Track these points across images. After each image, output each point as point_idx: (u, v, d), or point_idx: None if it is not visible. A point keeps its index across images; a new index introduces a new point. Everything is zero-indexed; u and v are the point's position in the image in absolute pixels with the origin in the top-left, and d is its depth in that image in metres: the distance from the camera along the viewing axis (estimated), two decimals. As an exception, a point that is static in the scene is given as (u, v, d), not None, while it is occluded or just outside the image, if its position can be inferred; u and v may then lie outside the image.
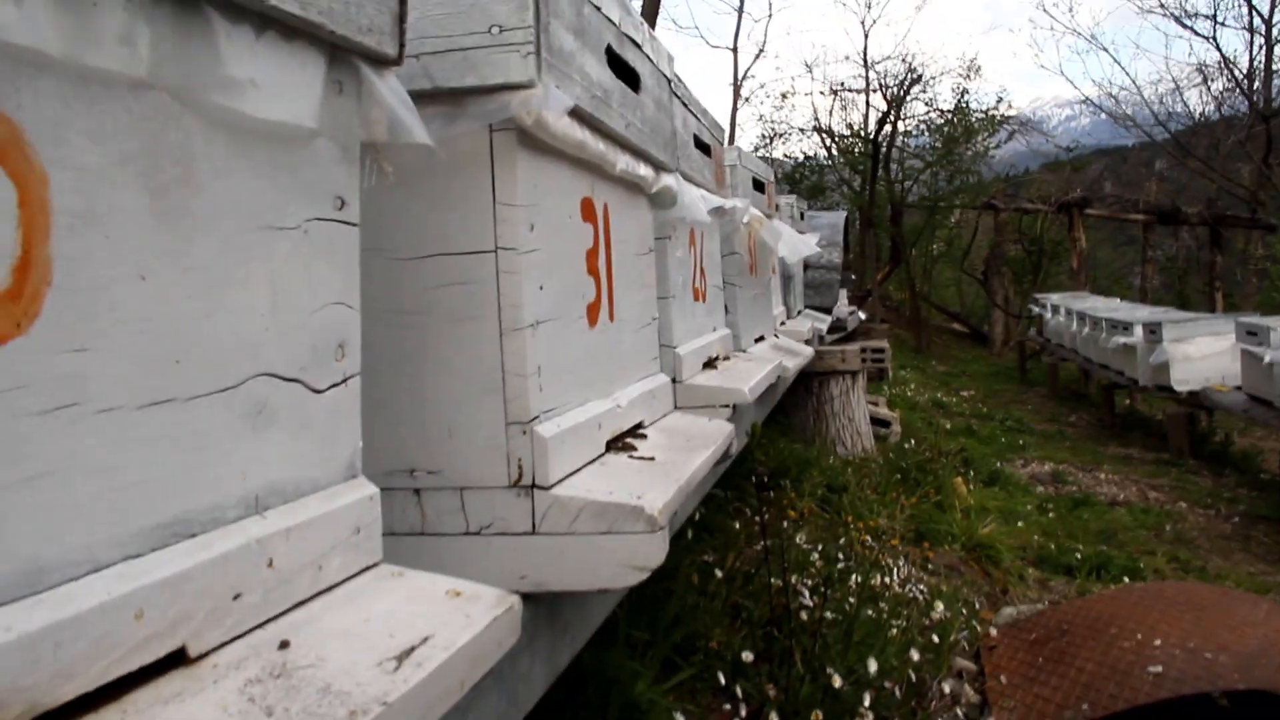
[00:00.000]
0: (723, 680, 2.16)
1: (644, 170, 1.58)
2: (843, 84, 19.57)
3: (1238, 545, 5.63)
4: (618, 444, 1.36)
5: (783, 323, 4.19)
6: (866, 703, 2.16)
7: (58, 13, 0.53)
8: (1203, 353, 8.00)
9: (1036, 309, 13.73)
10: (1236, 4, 29.65)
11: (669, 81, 1.79)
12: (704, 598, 2.43)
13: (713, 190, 2.34)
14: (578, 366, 1.27)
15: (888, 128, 17.74)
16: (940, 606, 2.90)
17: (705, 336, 2.20)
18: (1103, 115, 22.40)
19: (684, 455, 1.38)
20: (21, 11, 0.51)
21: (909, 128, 18.34)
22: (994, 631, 3.10)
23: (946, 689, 2.54)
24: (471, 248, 1.10)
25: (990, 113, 18.23)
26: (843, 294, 7.48)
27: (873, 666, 2.26)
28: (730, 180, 2.77)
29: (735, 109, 19.30)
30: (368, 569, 0.83)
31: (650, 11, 12.41)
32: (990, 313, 19.12)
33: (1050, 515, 5.87)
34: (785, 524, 3.23)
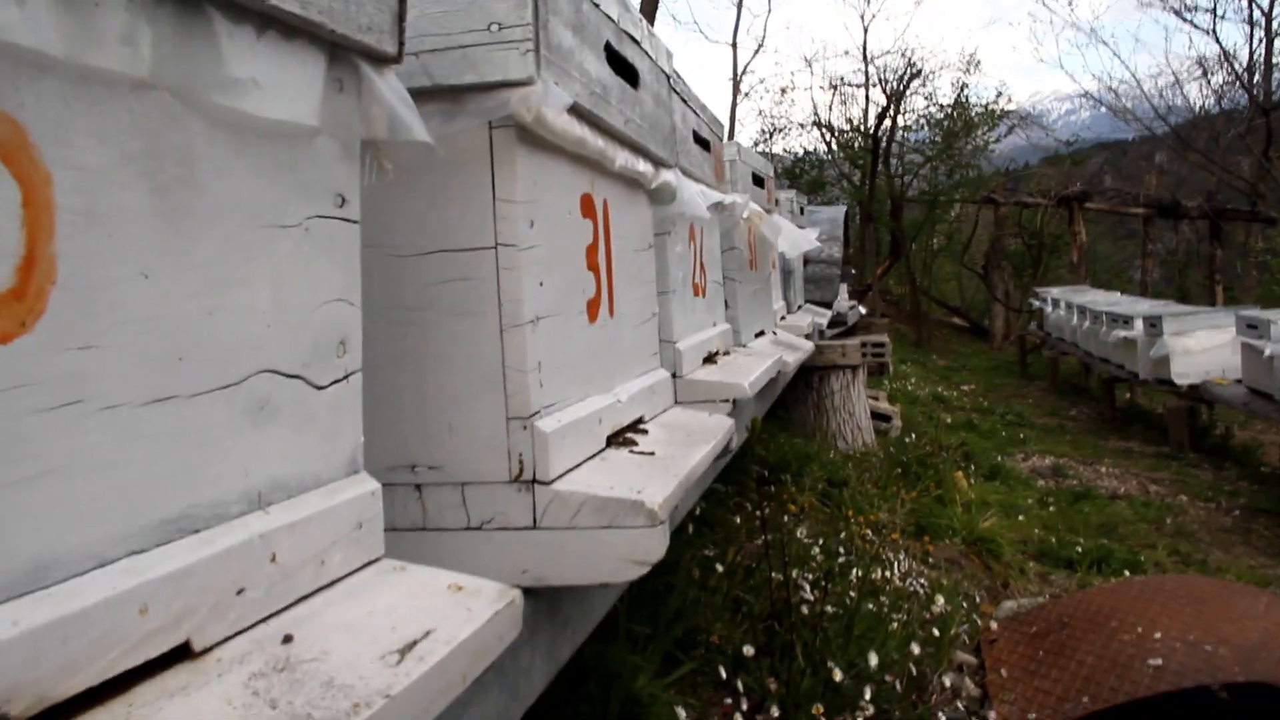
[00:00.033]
0: (724, 674, 2.17)
1: (643, 166, 1.58)
2: (842, 79, 19.55)
3: (1238, 538, 5.64)
4: (618, 439, 1.37)
5: (783, 317, 4.19)
6: (867, 696, 2.17)
7: (60, 13, 0.54)
8: (1203, 346, 8.01)
9: (1037, 303, 13.73)
10: (1236, -3, 29.60)
11: (668, 77, 1.80)
12: (705, 592, 2.44)
13: (712, 185, 2.35)
14: (578, 362, 1.28)
15: (887, 122, 17.74)
16: (941, 600, 2.90)
17: (705, 331, 2.21)
18: (1102, 109, 22.40)
19: (684, 450, 1.39)
20: (24, 12, 0.51)
21: (909, 122, 18.34)
22: (994, 625, 3.11)
23: (947, 682, 2.54)
24: (472, 244, 1.11)
25: (990, 107, 18.23)
26: (843, 289, 7.48)
27: (873, 660, 2.26)
28: (730, 175, 2.78)
29: (735, 104, 19.32)
30: (370, 564, 0.84)
31: (649, 7, 12.40)
32: (990, 307, 19.12)
33: (1051, 509, 5.88)
34: (786, 518, 3.24)
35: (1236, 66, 19.22)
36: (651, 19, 12.47)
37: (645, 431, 1.46)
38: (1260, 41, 18.54)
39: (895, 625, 2.63)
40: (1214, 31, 29.41)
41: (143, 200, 0.62)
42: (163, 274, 0.64)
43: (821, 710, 2.08)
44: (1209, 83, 20.72)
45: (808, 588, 2.59)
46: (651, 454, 1.33)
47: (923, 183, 18.50)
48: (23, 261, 0.53)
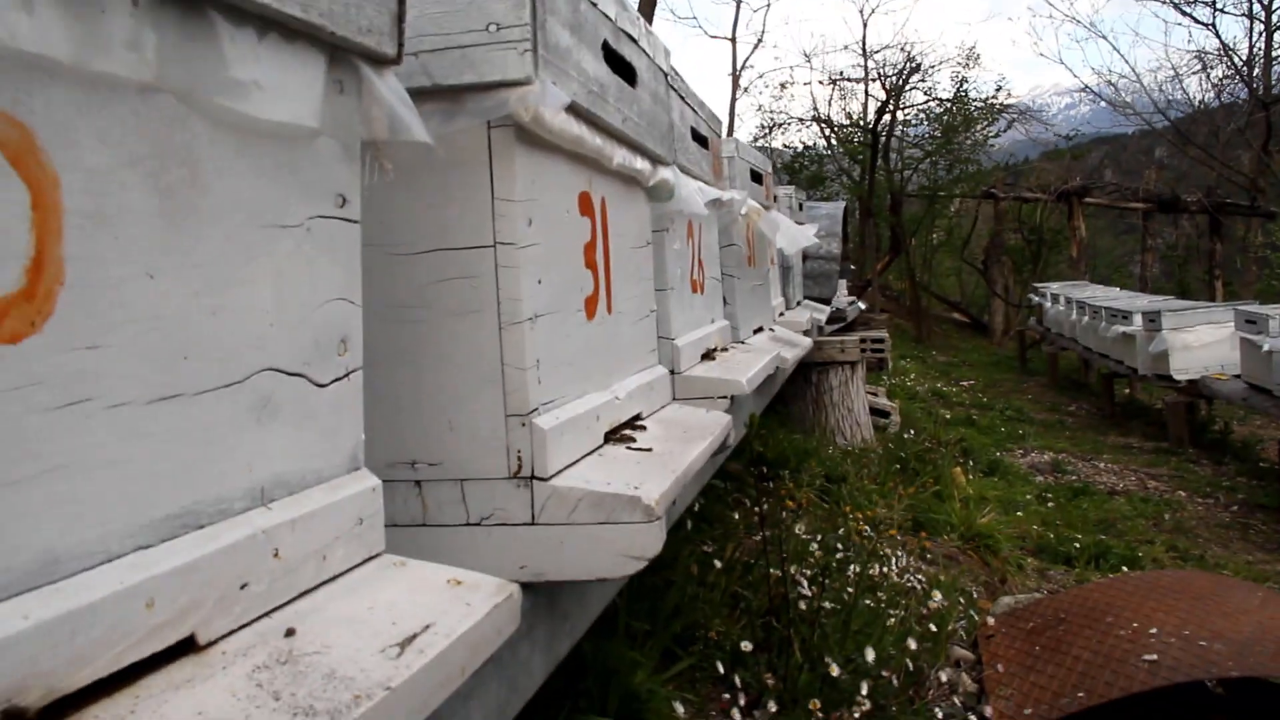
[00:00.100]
0: (722, 670, 2.18)
1: (641, 164, 1.59)
2: (841, 73, 19.60)
3: (1236, 534, 5.66)
4: (616, 435, 1.38)
5: (781, 313, 4.20)
6: (864, 691, 2.18)
7: (68, 20, 0.55)
8: (1202, 341, 8.02)
9: (1036, 298, 13.73)
10: (1236, -9, 29.56)
11: (665, 75, 1.80)
12: (703, 588, 2.45)
13: (710, 182, 2.36)
14: (576, 359, 1.29)
15: (887, 117, 17.73)
16: (938, 596, 2.92)
17: (703, 328, 2.22)
18: (1102, 103, 22.39)
19: (682, 446, 1.40)
20: (33, 20, 0.52)
21: (908, 117, 18.33)
22: (991, 620, 3.13)
23: (944, 678, 2.56)
24: (470, 243, 1.12)
25: (989, 101, 18.21)
26: (842, 284, 7.50)
27: (870, 655, 2.28)
28: (728, 172, 2.78)
29: (734, 99, 19.32)
30: (370, 559, 0.85)
31: (648, 2, 12.39)
32: (990, 302, 19.12)
33: (1049, 505, 5.90)
34: (784, 514, 3.25)
35: (1236, 60, 19.21)
36: (650, 13, 12.46)
37: (643, 428, 1.48)
38: (1260, 35, 18.53)
39: (892, 621, 2.64)
40: (1214, 25, 29.36)
41: (148, 201, 0.63)
42: (167, 274, 0.65)
43: (819, 705, 2.09)
44: (1208, 76, 20.68)
45: (805, 583, 2.61)
46: (649, 450, 1.34)
47: (922, 178, 18.50)
48: (32, 263, 0.54)
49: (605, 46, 1.38)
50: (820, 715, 2.09)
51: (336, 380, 0.84)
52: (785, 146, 19.17)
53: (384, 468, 1.10)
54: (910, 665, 2.43)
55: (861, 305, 8.76)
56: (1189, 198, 17.37)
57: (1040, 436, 8.72)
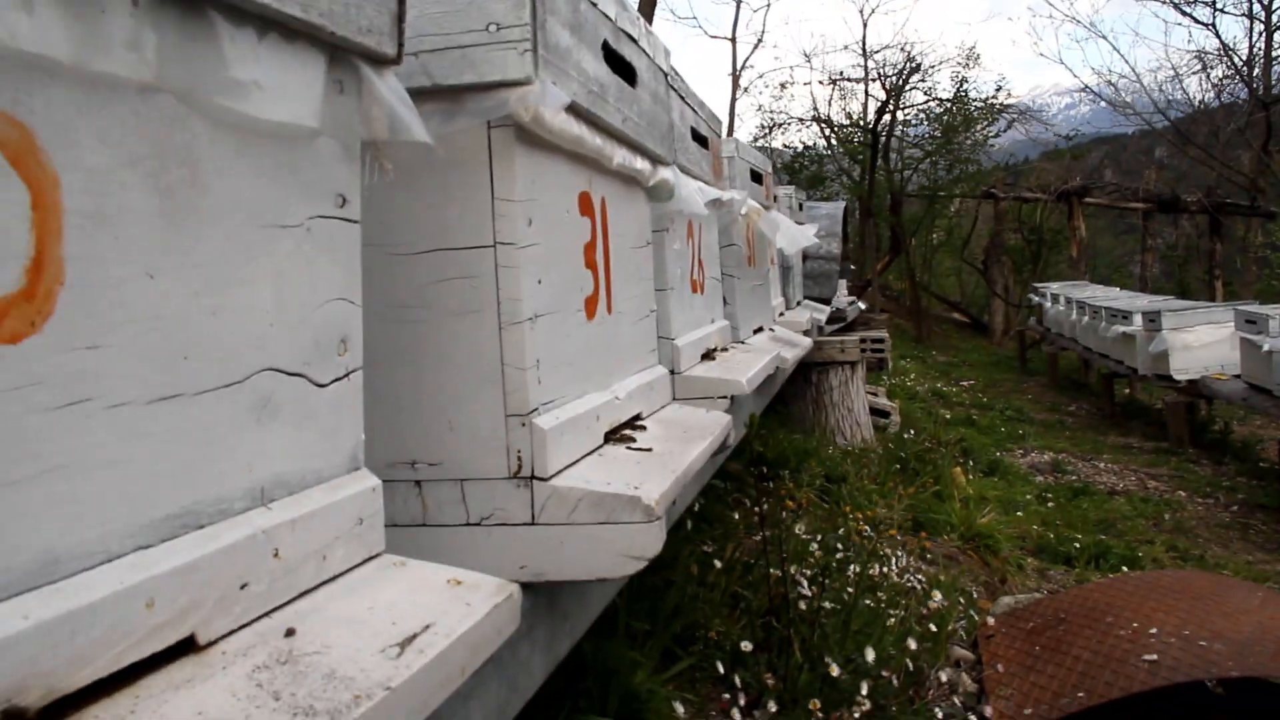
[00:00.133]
0: (722, 670, 2.18)
1: (641, 164, 1.59)
2: (841, 73, 19.60)
3: (1236, 534, 5.66)
4: (616, 435, 1.38)
5: (781, 313, 4.21)
6: (864, 691, 2.18)
7: (68, 20, 0.55)
8: (1202, 341, 8.02)
9: (1036, 298, 13.73)
10: (1236, -9, 29.56)
11: (665, 75, 1.81)
12: (703, 588, 2.45)
13: (710, 182, 2.36)
14: (576, 359, 1.29)
15: (887, 117, 17.73)
16: (938, 596, 2.92)
17: (703, 328, 2.22)
18: (1102, 103, 22.39)
19: (681, 446, 1.40)
20: (33, 20, 0.52)
21: (908, 117, 18.33)
22: (991, 620, 3.13)
23: (944, 678, 2.56)
24: (470, 243, 1.12)
25: (989, 101, 18.21)
26: (842, 284, 7.50)
27: (870, 655, 2.28)
28: (728, 172, 2.79)
29: (734, 99, 19.32)
30: (370, 559, 0.85)
31: (648, 2, 12.39)
32: (990, 302, 19.12)
33: (1049, 505, 5.90)
34: (784, 514, 3.25)
35: (1236, 60, 19.21)
36: (650, 13, 12.46)
37: (643, 428, 1.48)
38: (1260, 35, 18.52)
39: (892, 621, 2.64)
40: (1214, 25, 29.39)
41: (148, 201, 0.63)
42: (167, 274, 0.65)
43: (818, 705, 2.09)
44: (1208, 76, 20.68)
45: (805, 583, 2.61)
46: (649, 450, 1.34)
47: (922, 178, 18.50)
48: (32, 263, 0.54)
49: (605, 46, 1.38)
50: (820, 715, 2.09)
51: (336, 380, 0.84)
52: (785, 146, 19.19)
53: (384, 468, 1.10)
54: (910, 665, 2.43)
55: (862, 305, 8.76)
56: (1189, 198, 17.38)
57: (1040, 436, 8.72)
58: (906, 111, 18.23)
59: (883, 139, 17.49)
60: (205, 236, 0.68)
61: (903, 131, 18.22)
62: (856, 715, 2.13)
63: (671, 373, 1.85)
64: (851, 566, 2.89)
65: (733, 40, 20.26)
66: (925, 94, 18.47)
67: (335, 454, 0.84)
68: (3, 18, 0.51)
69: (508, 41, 1.10)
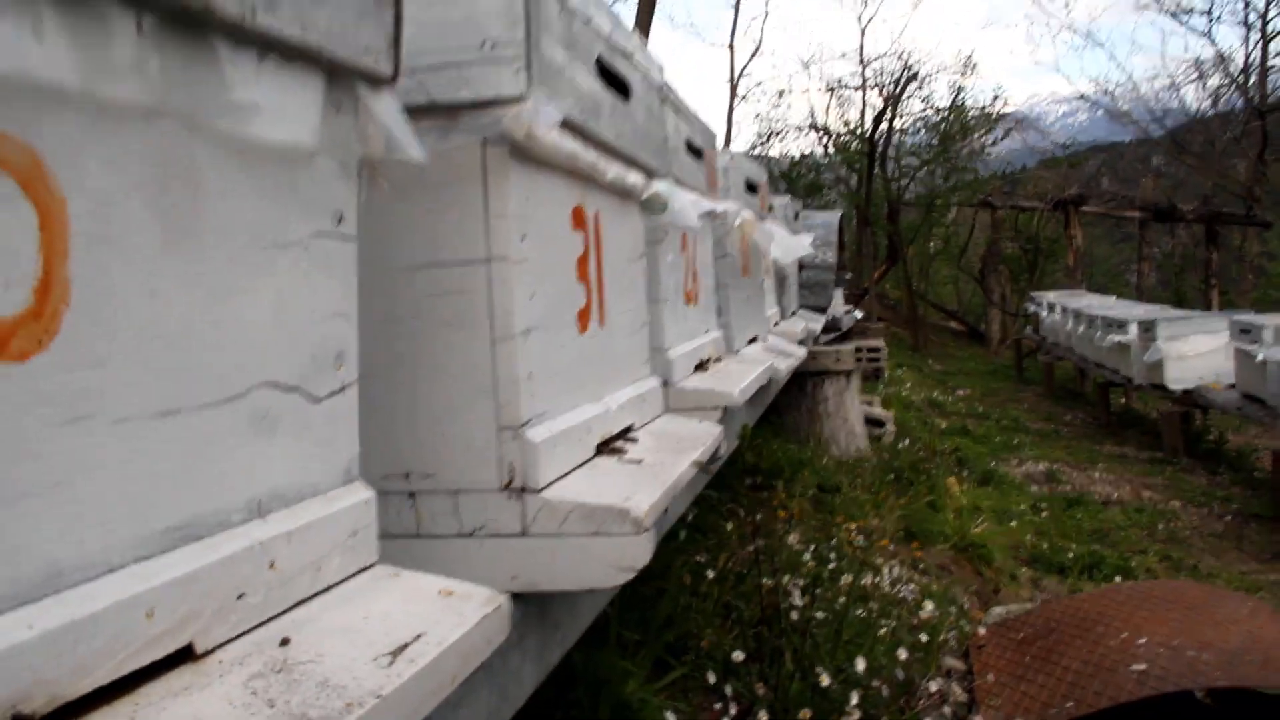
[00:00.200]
0: (713, 679, 2.20)
1: (635, 178, 1.61)
2: (839, 81, 19.64)
3: (1230, 544, 5.68)
4: (608, 447, 1.40)
5: (776, 323, 4.22)
6: (854, 701, 2.19)
7: (76, 47, 0.57)
8: (1197, 351, 8.05)
9: (1033, 307, 13.77)
10: (1232, 0, 29.68)
11: (659, 89, 1.82)
12: (696, 598, 2.47)
13: (705, 194, 2.38)
14: (568, 371, 1.31)
15: (884, 125, 17.80)
16: (929, 606, 2.94)
17: (697, 339, 2.23)
18: (1099, 112, 22.51)
19: (672, 457, 1.42)
20: (43, 48, 0.54)
21: (905, 125, 18.41)
22: (983, 630, 3.14)
23: (934, 688, 2.57)
24: (464, 258, 1.14)
25: (986, 110, 18.29)
26: (838, 294, 7.51)
27: (861, 665, 2.29)
28: (723, 183, 2.80)
29: (732, 107, 19.40)
30: (364, 569, 0.87)
31: (646, 9, 12.43)
32: (987, 311, 19.17)
33: (1044, 515, 5.92)
34: (777, 524, 3.27)
35: (1232, 69, 19.30)
36: (648, 21, 12.50)
37: (635, 440, 1.49)
38: (1255, 44, 18.63)
39: (884, 631, 2.66)
40: (1210, 34, 29.52)
41: (151, 222, 0.65)
42: (170, 292, 0.67)
43: (809, 715, 2.11)
44: (1205, 85, 20.79)
45: (798, 593, 2.62)
46: (640, 462, 1.36)
47: (920, 186, 18.56)
48: (40, 283, 0.56)
49: (599, 62, 1.40)
50: (811, 724, 2.10)
51: (332, 394, 0.86)
52: (783, 155, 19.24)
53: (378, 479, 1.12)
54: (901, 675, 2.45)
55: (858, 314, 8.78)
56: (1185, 207, 17.44)
57: (1036, 446, 8.75)
58: (904, 120, 18.31)
59: (880, 147, 17.54)
60: (207, 255, 0.70)
61: (900, 140, 18.29)
62: (847, 724, 2.15)
63: (664, 384, 1.86)
64: (844, 576, 2.91)
65: (731, 48, 20.37)
66: (923, 102, 18.55)
67: (331, 467, 0.86)
68: (14, 46, 0.53)
69: (502, 59, 1.12)
